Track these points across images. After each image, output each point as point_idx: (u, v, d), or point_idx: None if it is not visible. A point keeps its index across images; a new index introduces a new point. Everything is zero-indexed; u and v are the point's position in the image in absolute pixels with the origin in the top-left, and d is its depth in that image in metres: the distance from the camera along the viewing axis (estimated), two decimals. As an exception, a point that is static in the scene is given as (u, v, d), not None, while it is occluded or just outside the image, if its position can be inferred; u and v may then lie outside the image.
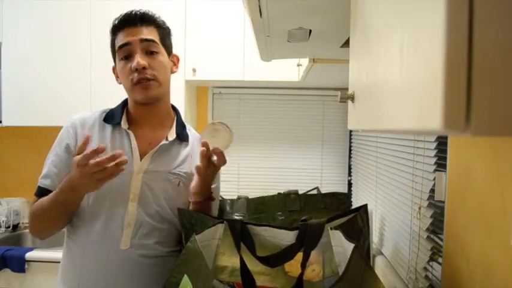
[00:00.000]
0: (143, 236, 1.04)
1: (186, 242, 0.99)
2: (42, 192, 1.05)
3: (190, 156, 1.13)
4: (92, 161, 0.89)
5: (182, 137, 1.13)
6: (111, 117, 1.10)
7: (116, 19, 1.07)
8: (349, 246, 0.85)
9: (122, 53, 1.05)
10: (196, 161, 1.02)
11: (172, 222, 1.08)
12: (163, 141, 1.09)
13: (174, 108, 1.19)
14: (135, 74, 1.03)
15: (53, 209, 1.00)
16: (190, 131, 1.19)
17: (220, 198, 1.53)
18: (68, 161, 1.04)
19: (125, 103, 1.14)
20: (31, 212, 1.05)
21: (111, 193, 1.02)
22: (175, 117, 1.17)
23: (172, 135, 1.11)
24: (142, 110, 1.10)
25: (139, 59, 1.02)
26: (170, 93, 1.16)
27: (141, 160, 1.06)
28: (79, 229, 1.05)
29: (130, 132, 1.08)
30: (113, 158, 0.89)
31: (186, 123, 1.20)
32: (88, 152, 0.89)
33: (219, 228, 0.98)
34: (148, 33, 1.06)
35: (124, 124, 1.08)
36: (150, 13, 1.08)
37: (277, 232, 0.96)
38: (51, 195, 1.01)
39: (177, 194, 1.08)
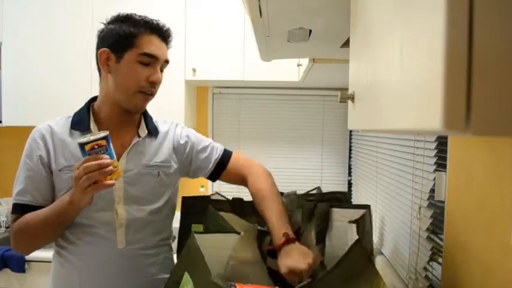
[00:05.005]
0: (137, 231, 1.06)
1: (181, 227, 1.14)
2: (22, 209, 1.02)
3: (161, 144, 1.13)
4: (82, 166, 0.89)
5: (153, 131, 1.13)
6: (78, 124, 1.07)
7: (148, 19, 1.04)
8: (352, 239, 0.87)
9: (143, 58, 1.02)
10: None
11: (161, 212, 1.11)
12: (136, 139, 1.09)
13: None
14: (148, 85, 1.04)
15: (48, 225, 0.99)
16: (157, 122, 1.18)
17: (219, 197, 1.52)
18: (43, 173, 1.03)
19: (88, 105, 1.11)
20: (16, 229, 1.02)
21: (96, 198, 1.00)
22: (142, 113, 1.15)
23: (143, 131, 1.11)
24: (122, 115, 1.08)
25: (160, 76, 1.06)
26: None
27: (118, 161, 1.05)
28: (72, 236, 1.04)
29: None
30: (99, 165, 0.88)
31: (149, 114, 1.18)
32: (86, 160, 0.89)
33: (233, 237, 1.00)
34: (167, 52, 1.09)
35: (94, 129, 1.06)
36: (170, 32, 1.10)
37: None
38: (45, 209, 1.00)
39: (159, 184, 1.10)
